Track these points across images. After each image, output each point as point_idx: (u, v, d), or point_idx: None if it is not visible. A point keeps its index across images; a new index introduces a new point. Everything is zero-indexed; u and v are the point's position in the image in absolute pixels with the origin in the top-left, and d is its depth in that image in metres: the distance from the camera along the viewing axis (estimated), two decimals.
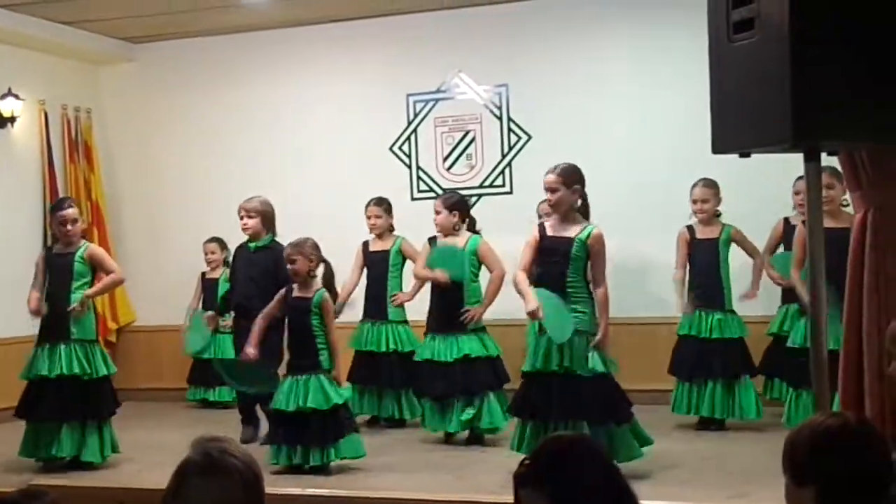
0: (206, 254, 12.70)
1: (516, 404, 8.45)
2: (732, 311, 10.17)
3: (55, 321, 9.37)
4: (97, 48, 13.37)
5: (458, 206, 10.21)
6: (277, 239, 10.21)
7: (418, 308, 10.60)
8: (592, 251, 8.27)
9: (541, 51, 12.25)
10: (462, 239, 10.07)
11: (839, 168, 8.27)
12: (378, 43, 12.87)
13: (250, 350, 9.17)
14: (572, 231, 8.29)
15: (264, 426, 9.91)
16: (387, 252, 10.91)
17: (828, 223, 8.65)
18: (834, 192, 9.01)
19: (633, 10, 11.91)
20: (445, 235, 10.13)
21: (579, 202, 8.40)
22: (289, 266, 9.11)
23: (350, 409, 9.30)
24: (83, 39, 13.04)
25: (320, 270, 9.24)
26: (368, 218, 10.97)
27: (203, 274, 12.80)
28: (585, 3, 12.08)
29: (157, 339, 13.24)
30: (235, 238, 10.58)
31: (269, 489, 3.42)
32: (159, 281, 13.29)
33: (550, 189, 8.32)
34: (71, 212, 9.50)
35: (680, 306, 10.29)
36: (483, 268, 10.12)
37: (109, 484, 8.61)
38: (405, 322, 10.90)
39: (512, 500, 3.32)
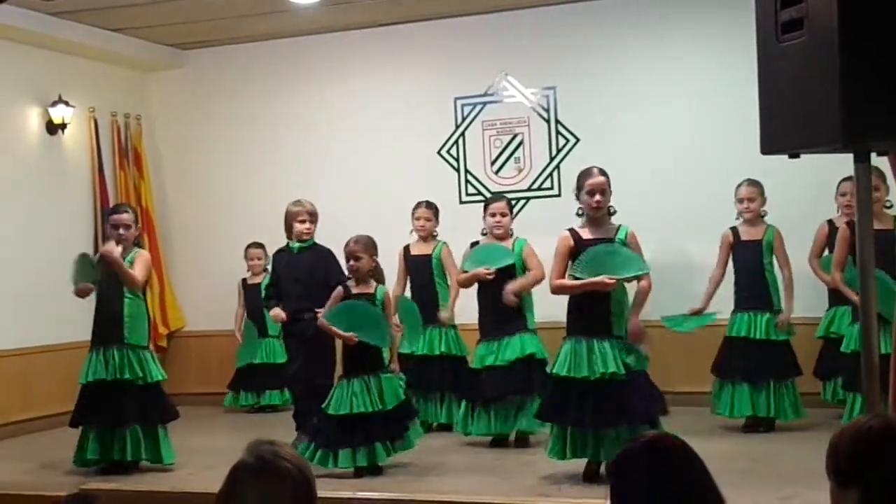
0: (251, 259, 12.76)
1: (549, 409, 8.47)
2: (780, 311, 10.12)
3: (107, 325, 9.39)
4: (146, 55, 13.45)
5: (512, 209, 10.31)
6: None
7: (466, 313, 10.66)
8: (632, 249, 8.30)
9: (588, 53, 12.23)
10: (509, 241, 10.07)
11: (881, 169, 8.32)
12: (425, 47, 12.90)
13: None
14: (609, 232, 8.33)
15: None
16: (429, 257, 10.90)
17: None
18: (879, 194, 9.01)
19: (680, 11, 11.89)
20: (503, 238, 10.11)
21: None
22: (352, 262, 9.09)
23: (411, 402, 9.31)
24: (132, 46, 13.12)
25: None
26: (417, 220, 10.98)
27: (244, 280, 12.87)
28: (633, 6, 12.06)
29: (207, 344, 13.30)
30: (280, 244, 10.59)
31: (320, 493, 3.43)
32: (208, 286, 13.36)
33: (601, 191, 8.28)
34: (125, 216, 9.53)
35: (702, 301, 10.27)
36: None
37: (160, 488, 8.65)
38: (454, 326, 10.88)
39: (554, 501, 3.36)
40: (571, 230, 8.40)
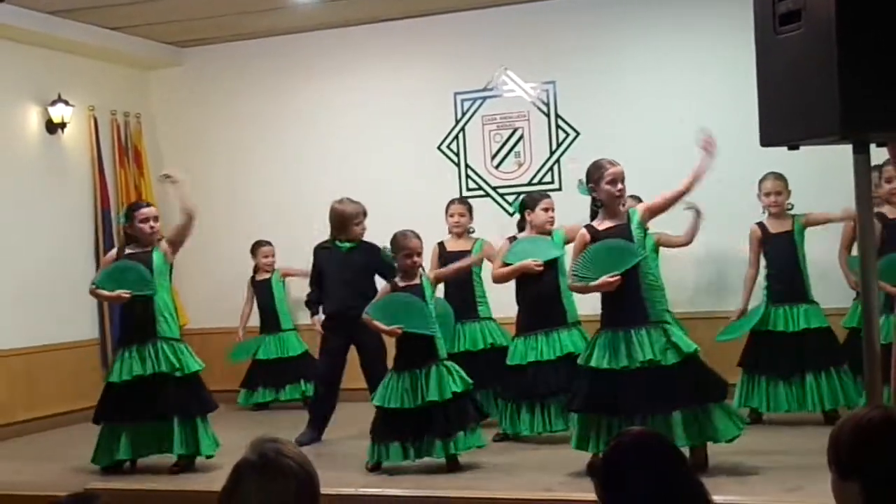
0: (264, 256, 12.75)
1: (585, 401, 8.20)
2: (815, 303, 10.02)
3: (140, 322, 9.36)
4: (145, 53, 13.45)
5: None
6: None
7: (501, 307, 10.63)
8: (645, 221, 8.24)
9: (588, 47, 12.23)
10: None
11: None
12: (425, 42, 12.90)
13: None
14: (623, 218, 8.25)
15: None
16: (468, 252, 10.65)
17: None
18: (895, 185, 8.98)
19: (680, 6, 11.88)
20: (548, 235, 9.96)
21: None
22: (416, 258, 9.05)
23: (475, 397, 9.15)
24: (131, 44, 13.12)
25: None
26: (451, 216, 10.86)
27: (253, 278, 12.86)
28: (633, 0, 12.07)
29: (210, 342, 13.26)
30: (282, 240, 10.57)
31: (324, 489, 3.44)
32: (209, 283, 13.35)
33: (622, 178, 8.27)
34: (153, 209, 9.62)
35: (742, 302, 10.23)
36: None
37: (164, 486, 8.66)
38: (492, 319, 10.77)
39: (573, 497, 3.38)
40: (588, 226, 8.30)
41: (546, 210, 9.93)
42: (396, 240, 9.13)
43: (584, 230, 8.31)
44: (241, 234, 12.94)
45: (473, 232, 10.95)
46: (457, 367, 8.91)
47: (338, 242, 10.33)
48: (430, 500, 7.76)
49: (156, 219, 9.50)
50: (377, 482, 8.39)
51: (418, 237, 9.12)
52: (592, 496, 3.38)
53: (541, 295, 9.80)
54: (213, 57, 13.76)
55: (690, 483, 3.33)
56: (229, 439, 8.93)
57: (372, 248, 10.13)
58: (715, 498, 3.39)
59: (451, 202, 11.01)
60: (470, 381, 8.91)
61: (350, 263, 10.21)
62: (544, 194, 10.28)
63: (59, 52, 12.51)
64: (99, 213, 12.74)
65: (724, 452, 8.50)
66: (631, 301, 8.11)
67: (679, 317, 10.02)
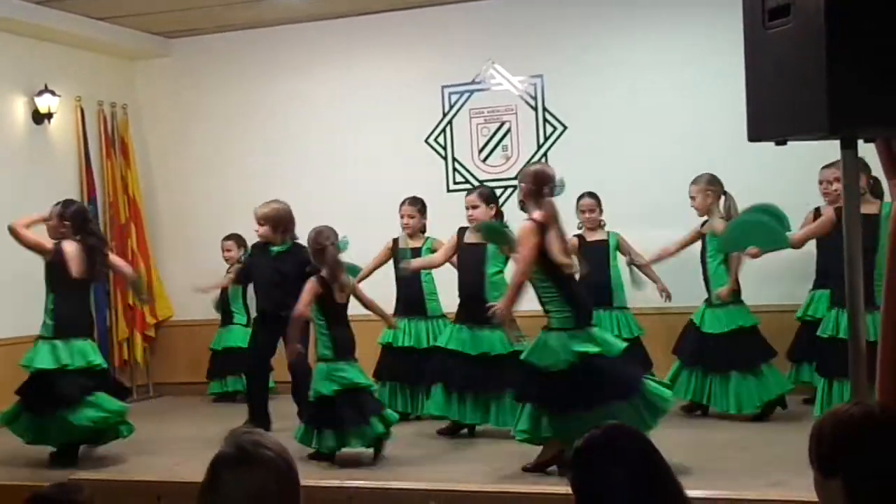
0: (223, 251, 12.73)
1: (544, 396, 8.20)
2: (741, 302, 10.16)
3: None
4: (132, 43, 13.42)
5: (494, 199, 10.16)
6: (299, 241, 10.28)
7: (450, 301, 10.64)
8: None
9: (575, 41, 12.22)
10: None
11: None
12: (412, 35, 12.88)
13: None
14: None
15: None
16: (418, 250, 10.76)
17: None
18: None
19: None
20: None
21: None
22: (320, 257, 9.07)
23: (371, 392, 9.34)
24: (118, 35, 13.09)
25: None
26: (402, 217, 10.86)
27: (228, 271, 12.78)
28: None
29: (195, 334, 13.27)
30: None
31: (305, 481, 3.43)
32: (195, 276, 13.29)
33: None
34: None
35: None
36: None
37: (147, 477, 8.66)
38: (444, 316, 10.81)
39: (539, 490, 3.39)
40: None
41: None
42: None
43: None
44: (226, 225, 12.89)
45: (425, 231, 10.97)
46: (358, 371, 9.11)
47: (268, 245, 10.38)
48: (412, 491, 7.78)
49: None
50: (358, 475, 8.40)
51: (323, 235, 9.13)
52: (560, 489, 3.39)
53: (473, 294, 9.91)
54: (200, 48, 13.73)
55: (664, 476, 3.34)
56: (214, 430, 8.91)
57: (300, 254, 10.13)
58: (699, 492, 3.41)
59: (402, 202, 10.95)
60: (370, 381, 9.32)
61: (277, 268, 10.30)
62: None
63: (46, 42, 12.48)
64: (85, 203, 12.67)
65: (711, 446, 8.52)
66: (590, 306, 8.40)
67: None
